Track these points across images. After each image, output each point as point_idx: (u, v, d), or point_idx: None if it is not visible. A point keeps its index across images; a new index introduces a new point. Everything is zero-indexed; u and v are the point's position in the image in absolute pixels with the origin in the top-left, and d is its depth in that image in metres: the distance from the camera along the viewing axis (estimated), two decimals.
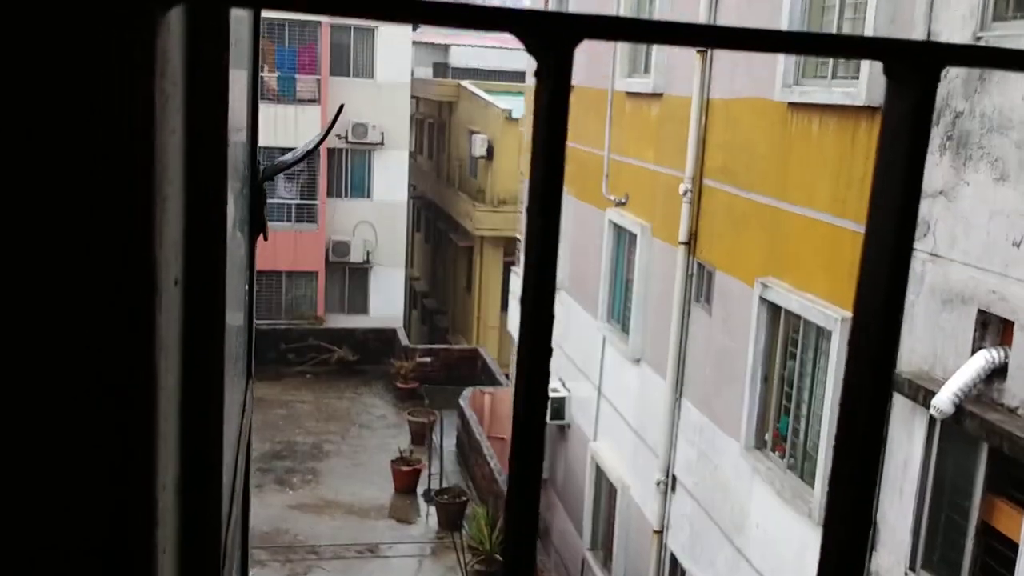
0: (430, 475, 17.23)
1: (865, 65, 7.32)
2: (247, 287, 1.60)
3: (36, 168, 0.50)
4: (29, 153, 0.50)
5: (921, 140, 0.47)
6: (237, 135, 1.41)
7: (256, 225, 1.64)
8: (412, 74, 27.46)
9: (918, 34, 6.72)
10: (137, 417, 0.56)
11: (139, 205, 0.52)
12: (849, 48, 0.51)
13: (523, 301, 0.41)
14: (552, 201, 0.40)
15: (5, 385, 0.53)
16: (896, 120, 0.46)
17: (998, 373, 6.02)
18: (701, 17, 9.99)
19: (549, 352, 0.41)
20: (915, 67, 0.46)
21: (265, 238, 1.67)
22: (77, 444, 0.55)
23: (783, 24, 8.45)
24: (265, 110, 24.87)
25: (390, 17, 0.41)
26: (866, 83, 7.29)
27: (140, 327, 0.54)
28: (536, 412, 0.41)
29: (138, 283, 0.53)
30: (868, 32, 7.28)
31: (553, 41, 0.40)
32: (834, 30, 8.03)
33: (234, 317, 1.33)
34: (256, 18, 1.59)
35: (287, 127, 23.89)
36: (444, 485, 16.97)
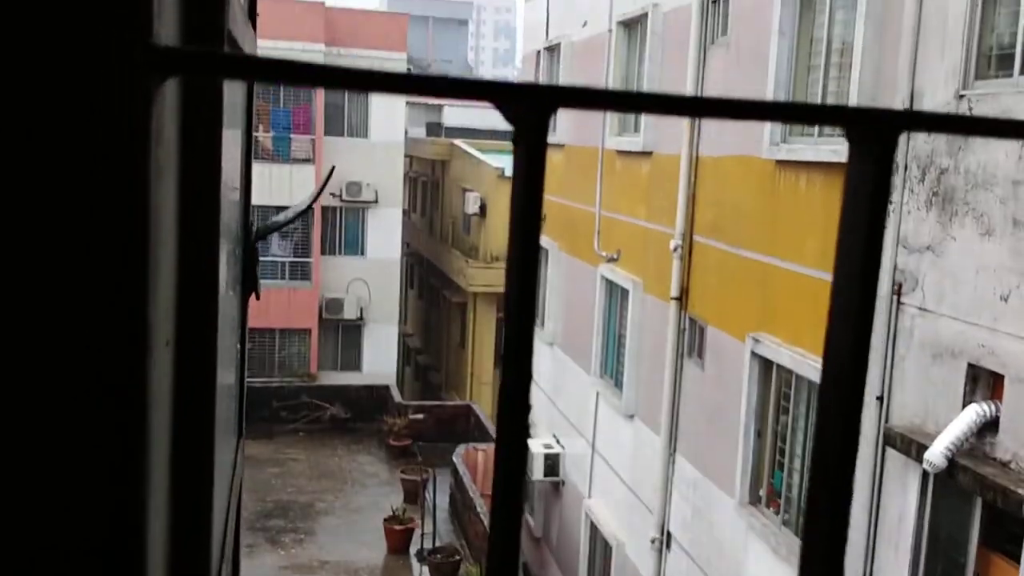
0: (423, 534, 17.02)
1: None
2: (239, 345, 1.61)
3: (31, 230, 0.51)
4: (25, 213, 0.51)
5: (881, 202, 0.49)
6: (231, 195, 1.43)
7: (248, 284, 1.66)
8: (406, 133, 27.77)
9: (902, 92, 6.85)
10: (126, 477, 0.56)
11: (132, 269, 0.53)
12: (810, 115, 0.54)
13: (505, 353, 0.44)
14: (529, 265, 0.43)
15: None
16: (857, 183, 0.48)
17: (989, 427, 6.03)
18: (689, 78, 10.18)
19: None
20: (874, 133, 0.48)
21: (257, 297, 1.70)
22: (61, 503, 0.54)
23: (769, 84, 8.61)
24: (260, 169, 25.01)
25: (375, 89, 0.44)
26: None
27: (132, 389, 0.55)
28: (517, 453, 0.43)
29: (131, 345, 0.54)
30: (853, 91, 7.43)
31: (529, 110, 0.43)
32: (819, 89, 8.18)
33: (225, 376, 1.33)
34: (250, 82, 1.64)
35: (281, 186, 24.05)
36: (437, 544, 16.76)
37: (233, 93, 1.46)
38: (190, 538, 0.87)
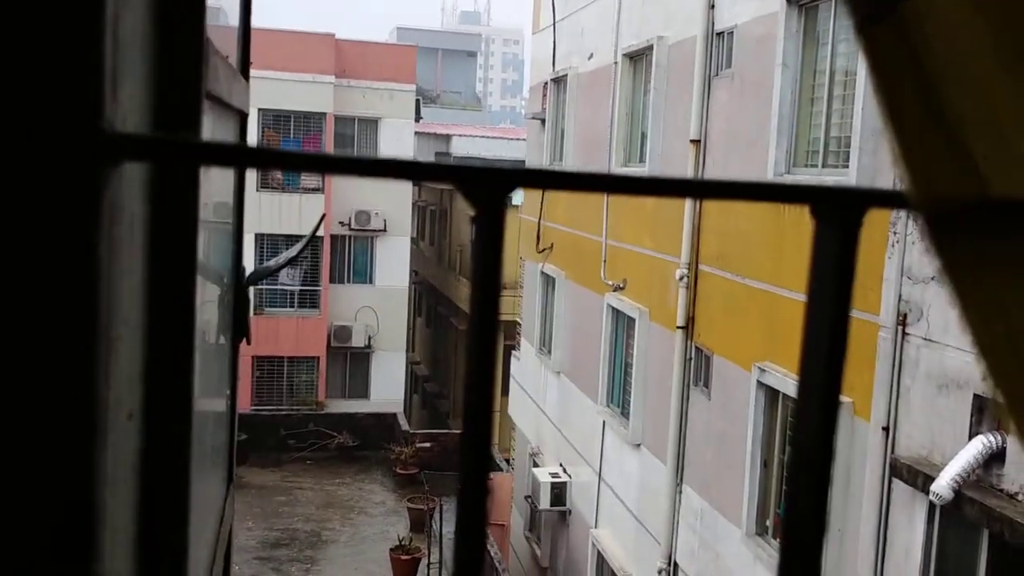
0: (429, 564, 16.94)
1: (855, 153, 7.50)
2: (228, 391, 1.63)
3: None
4: None
5: (847, 277, 0.49)
6: (222, 238, 1.45)
7: (239, 330, 1.68)
8: None
9: None
10: (75, 562, 0.55)
11: (80, 351, 0.53)
12: (776, 194, 0.54)
13: (464, 421, 0.46)
14: (488, 339, 0.45)
15: None
16: (823, 259, 0.49)
17: (996, 458, 6.01)
18: (693, 110, 10.25)
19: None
20: (840, 210, 0.49)
21: (248, 343, 1.73)
22: None
23: (773, 116, 8.68)
24: (270, 199, 25.03)
25: (327, 171, 0.46)
26: (855, 171, 7.45)
27: (79, 467, 0.54)
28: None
29: (77, 423, 0.53)
30: (856, 123, 7.48)
31: (487, 191, 0.46)
32: (823, 121, 8.24)
33: (209, 425, 1.34)
34: (242, 117, 1.67)
35: (291, 216, 24.21)
36: (443, 574, 16.67)
37: (225, 131, 1.49)
38: None
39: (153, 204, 0.73)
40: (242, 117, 1.66)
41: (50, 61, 0.51)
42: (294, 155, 0.47)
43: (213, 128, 1.30)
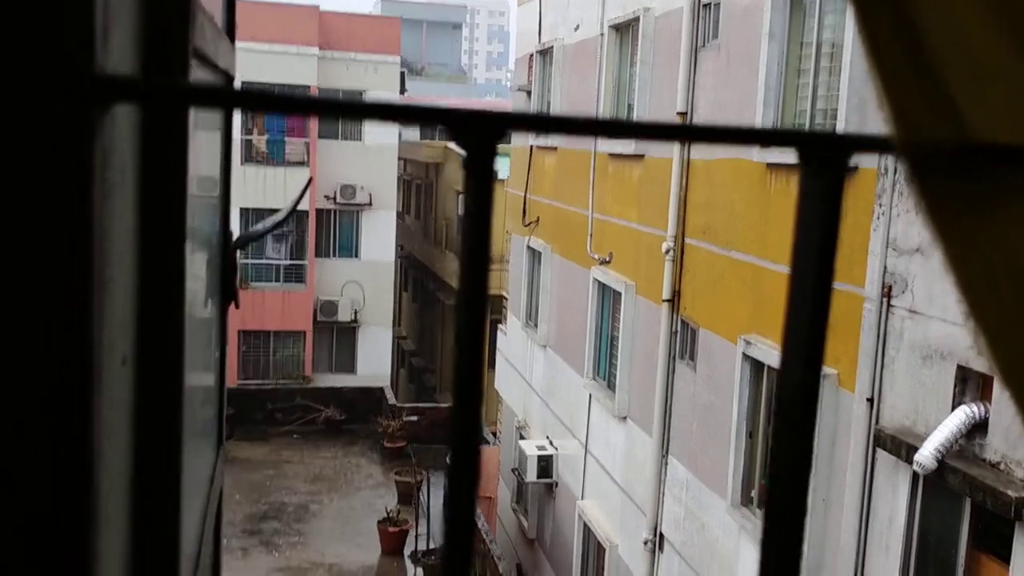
0: (417, 536, 17.04)
1: (841, 123, 7.49)
2: (218, 354, 1.63)
3: None
4: None
5: (833, 222, 0.50)
6: (208, 203, 1.44)
7: (227, 293, 1.68)
8: (400, 136, 27.77)
9: None
10: (72, 508, 0.55)
11: (74, 292, 0.53)
12: (764, 138, 0.55)
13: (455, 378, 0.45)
14: (479, 287, 0.45)
15: None
16: (810, 204, 0.49)
17: (979, 428, 6.06)
18: (680, 81, 10.21)
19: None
20: (826, 155, 0.49)
21: (236, 306, 1.72)
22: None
23: (759, 87, 8.65)
24: (255, 172, 24.86)
25: (316, 113, 0.46)
26: None
27: (74, 409, 0.54)
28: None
29: (71, 367, 0.54)
30: (843, 94, 7.47)
31: (478, 135, 0.45)
32: (809, 92, 8.22)
33: (200, 387, 1.34)
34: (228, 80, 1.66)
35: (276, 189, 24.07)
36: (431, 546, 16.78)
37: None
38: (155, 561, 0.86)
39: (143, 148, 0.74)
40: (228, 79, 1.65)
41: (43, 5, 0.51)
42: (282, 98, 0.48)
43: None
